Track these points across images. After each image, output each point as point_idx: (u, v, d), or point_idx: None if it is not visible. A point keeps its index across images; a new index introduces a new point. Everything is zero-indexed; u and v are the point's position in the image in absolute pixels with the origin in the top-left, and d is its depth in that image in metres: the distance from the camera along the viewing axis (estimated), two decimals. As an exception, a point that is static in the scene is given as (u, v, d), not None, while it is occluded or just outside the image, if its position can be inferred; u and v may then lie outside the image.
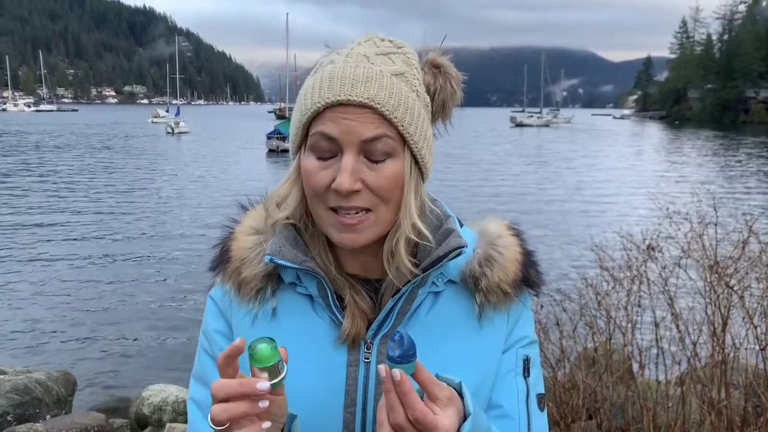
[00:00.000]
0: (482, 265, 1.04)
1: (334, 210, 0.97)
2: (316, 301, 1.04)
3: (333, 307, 1.02)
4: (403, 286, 1.00)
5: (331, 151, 0.95)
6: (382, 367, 0.83)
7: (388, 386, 0.83)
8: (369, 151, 0.95)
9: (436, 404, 0.85)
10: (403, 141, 0.97)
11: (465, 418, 0.88)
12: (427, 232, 1.00)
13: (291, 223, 1.05)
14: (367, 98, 0.93)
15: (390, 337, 0.86)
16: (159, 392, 5.42)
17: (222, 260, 1.10)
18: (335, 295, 1.02)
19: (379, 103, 0.93)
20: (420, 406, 0.82)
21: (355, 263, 1.06)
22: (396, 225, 1.00)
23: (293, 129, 1.01)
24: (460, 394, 0.90)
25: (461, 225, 1.11)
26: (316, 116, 0.95)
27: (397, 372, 0.82)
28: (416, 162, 0.99)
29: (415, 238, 1.00)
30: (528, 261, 1.08)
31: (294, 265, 1.01)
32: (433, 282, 1.04)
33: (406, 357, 0.83)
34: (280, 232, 1.05)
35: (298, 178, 1.01)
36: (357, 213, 0.96)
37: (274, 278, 1.06)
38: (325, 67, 0.98)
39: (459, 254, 1.01)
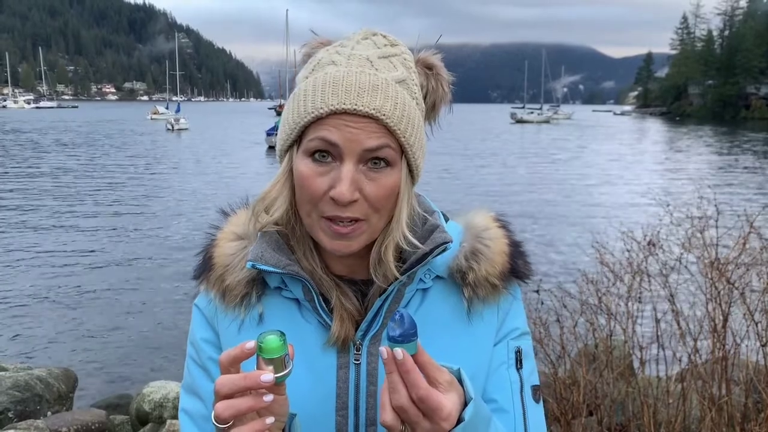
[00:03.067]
0: (469, 259, 1.03)
1: (328, 218, 0.95)
2: (303, 305, 1.02)
3: (320, 310, 1.00)
4: (389, 286, 0.99)
5: (331, 157, 0.94)
6: (384, 349, 0.82)
7: (390, 367, 0.82)
8: (368, 161, 0.93)
9: (437, 388, 0.83)
10: (401, 151, 0.96)
11: (465, 405, 0.87)
12: (415, 240, 0.99)
13: (276, 228, 1.03)
14: (374, 109, 0.92)
15: (390, 317, 0.85)
16: (160, 389, 5.42)
17: (205, 268, 1.08)
18: (322, 298, 1.01)
19: (384, 115, 0.92)
20: (423, 384, 0.81)
21: (341, 265, 1.05)
22: (386, 232, 0.99)
23: (286, 128, 0.98)
24: (460, 382, 0.89)
25: (447, 219, 1.10)
26: (316, 120, 0.93)
27: (399, 351, 0.81)
28: (410, 170, 0.99)
29: (404, 246, 0.99)
30: (516, 252, 1.07)
31: (277, 270, 0.99)
32: (420, 279, 1.03)
33: (407, 336, 0.82)
34: (263, 236, 1.03)
35: (288, 180, 0.99)
36: (350, 222, 0.95)
37: (259, 283, 1.04)
38: (326, 68, 0.96)
39: (444, 250, 1.00)
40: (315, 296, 1.00)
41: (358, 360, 1.00)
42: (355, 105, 0.91)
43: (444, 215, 1.11)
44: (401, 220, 0.98)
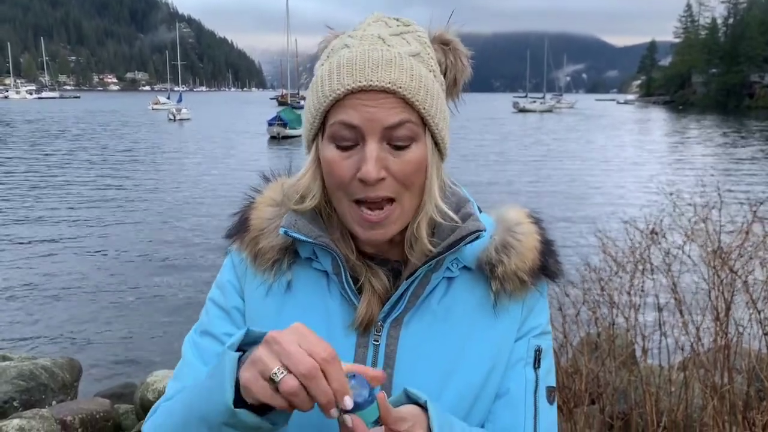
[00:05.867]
0: (499, 251, 1.03)
1: (358, 203, 0.95)
2: (331, 278, 1.03)
3: (346, 287, 1.01)
4: (417, 269, 0.99)
5: (353, 140, 0.93)
6: (348, 417, 0.83)
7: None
8: (392, 138, 0.93)
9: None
10: (424, 123, 0.96)
11: None
12: (450, 212, 1.00)
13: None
14: (389, 83, 0.91)
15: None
16: (164, 378, 5.44)
17: (240, 228, 1.09)
18: (349, 274, 1.01)
19: (401, 87, 0.92)
20: None
21: (374, 246, 1.05)
22: (419, 208, 0.99)
23: (308, 117, 0.98)
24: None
25: (480, 211, 1.09)
26: (335, 104, 0.93)
27: (348, 418, 0.82)
28: (436, 143, 0.98)
29: (439, 219, 0.99)
30: (547, 250, 1.06)
31: (308, 239, 1.00)
32: (447, 267, 1.03)
33: (363, 404, 0.83)
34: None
35: (317, 169, 0.99)
36: (381, 208, 0.95)
37: (291, 252, 1.05)
38: (340, 52, 0.96)
39: (477, 238, 1.00)
40: (343, 271, 1.00)
41: (377, 341, 1.00)
42: (370, 81, 0.91)
43: (477, 207, 1.10)
44: (433, 193, 0.98)
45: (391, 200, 0.96)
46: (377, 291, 1.01)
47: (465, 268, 1.04)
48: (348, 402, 0.80)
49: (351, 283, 1.01)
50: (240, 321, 1.07)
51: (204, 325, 1.09)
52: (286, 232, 1.00)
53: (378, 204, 0.95)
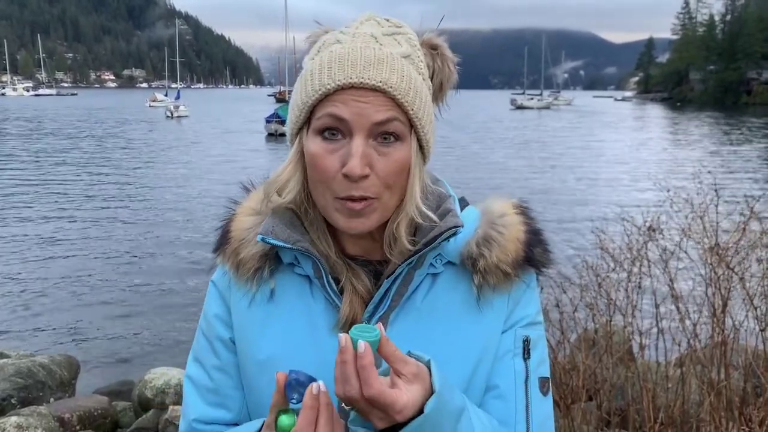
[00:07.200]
0: (480, 245, 1.02)
1: (341, 199, 0.95)
2: (314, 283, 1.02)
3: (328, 289, 1.00)
4: (397, 268, 0.99)
5: (340, 133, 0.93)
6: (343, 336, 0.82)
7: (345, 357, 0.82)
8: (378, 135, 0.93)
9: (400, 379, 0.83)
10: (410, 125, 0.96)
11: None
12: (430, 213, 0.99)
13: (290, 207, 1.03)
14: (380, 81, 0.91)
15: (287, 384, 0.86)
16: (162, 375, 5.44)
17: (223, 241, 1.09)
18: (331, 277, 1.00)
19: (391, 87, 0.92)
20: (375, 384, 0.80)
21: (355, 246, 1.04)
22: (399, 208, 0.98)
23: (295, 110, 0.98)
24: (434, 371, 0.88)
25: (467, 204, 1.09)
26: (324, 98, 0.93)
27: (362, 344, 0.81)
28: (421, 146, 0.98)
29: (419, 220, 0.99)
30: (533, 240, 1.05)
31: (287, 245, 0.99)
32: (431, 264, 1.02)
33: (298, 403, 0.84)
34: (276, 212, 1.03)
35: (299, 162, 0.99)
36: (363, 199, 0.94)
37: (272, 258, 1.04)
38: (332, 47, 0.96)
39: (454, 234, 0.99)
40: (324, 274, 1.00)
41: None
42: (362, 78, 0.91)
43: (465, 200, 1.10)
44: (414, 194, 0.97)
45: (371, 198, 0.95)
46: (358, 291, 1.00)
47: (450, 263, 1.04)
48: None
49: (333, 284, 1.00)
50: (222, 352, 1.09)
51: (196, 351, 1.12)
52: (263, 239, 1.00)
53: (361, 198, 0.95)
